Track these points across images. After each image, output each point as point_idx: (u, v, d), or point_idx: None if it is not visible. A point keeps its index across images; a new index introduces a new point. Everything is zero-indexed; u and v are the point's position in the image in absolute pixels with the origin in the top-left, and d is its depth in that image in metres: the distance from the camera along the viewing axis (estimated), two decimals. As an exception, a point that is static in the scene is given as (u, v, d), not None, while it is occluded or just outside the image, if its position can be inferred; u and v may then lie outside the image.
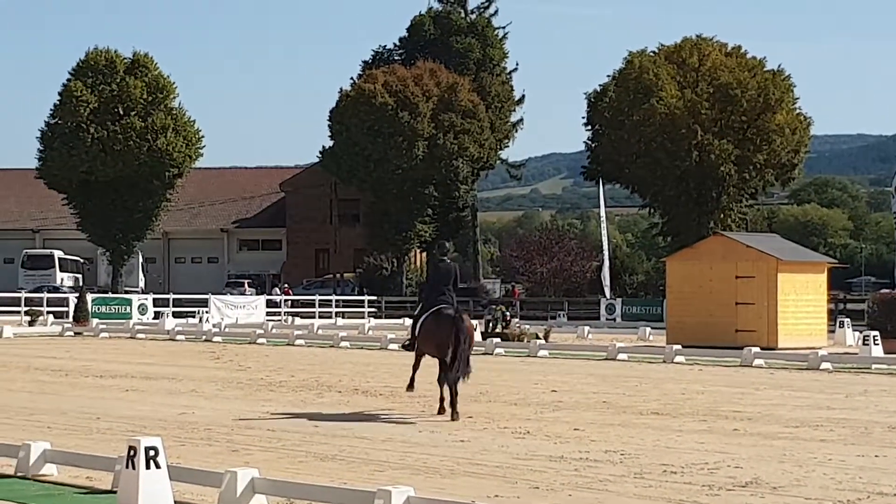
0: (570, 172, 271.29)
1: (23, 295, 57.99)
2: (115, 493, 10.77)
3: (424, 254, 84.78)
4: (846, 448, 14.63)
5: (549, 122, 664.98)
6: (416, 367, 19.26)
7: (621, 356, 31.29)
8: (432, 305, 18.56)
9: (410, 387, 19.37)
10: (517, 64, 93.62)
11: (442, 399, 18.16)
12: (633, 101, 67.90)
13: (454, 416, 17.61)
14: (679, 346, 31.81)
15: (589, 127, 75.33)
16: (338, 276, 77.35)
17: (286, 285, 77.03)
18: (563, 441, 15.16)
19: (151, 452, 10.17)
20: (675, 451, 14.27)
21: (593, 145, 74.32)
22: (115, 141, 70.46)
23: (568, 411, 18.68)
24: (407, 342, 19.77)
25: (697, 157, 66.73)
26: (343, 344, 37.10)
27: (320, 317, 61.12)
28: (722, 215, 68.52)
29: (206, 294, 60.94)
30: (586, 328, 45.18)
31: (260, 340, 38.85)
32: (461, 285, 19.30)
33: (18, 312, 53.51)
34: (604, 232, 69.61)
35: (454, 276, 18.77)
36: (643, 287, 76.29)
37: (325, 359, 31.41)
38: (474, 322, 39.55)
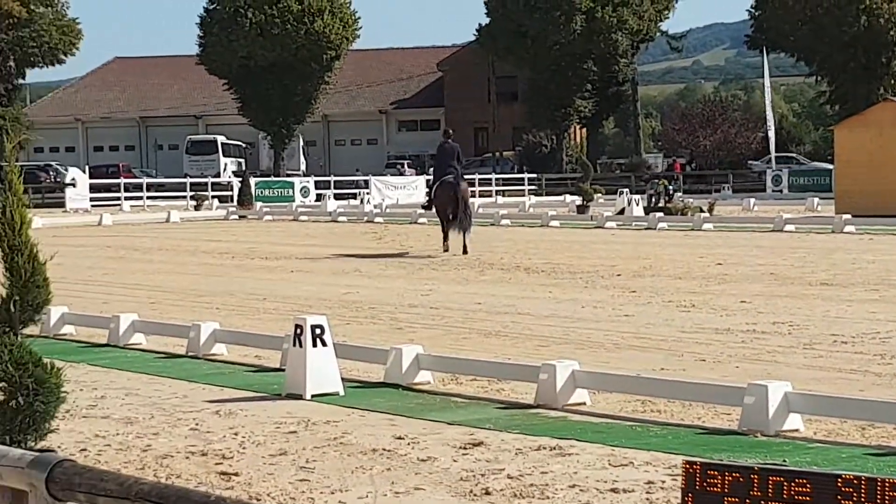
0: (733, 42, 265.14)
1: (188, 180, 59.09)
2: (283, 370, 10.92)
3: (584, 130, 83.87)
4: None
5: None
6: (444, 231, 25.47)
7: (788, 227, 30.67)
8: (440, 177, 25.40)
9: (446, 248, 25.20)
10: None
11: (446, 239, 25.25)
12: (798, -35, 65.63)
13: (465, 251, 24.52)
14: (848, 216, 31.05)
15: (751, -6, 73.22)
16: (497, 154, 77.06)
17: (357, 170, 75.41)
18: (729, 314, 14.91)
19: (318, 330, 10.25)
20: (845, 321, 13.93)
21: (757, 13, 72.24)
22: (272, 25, 70.79)
23: (734, 284, 18.37)
24: (425, 203, 28.27)
25: (866, 22, 64.47)
26: (504, 222, 37.06)
27: (480, 196, 61.11)
28: (892, 81, 66.28)
29: (367, 176, 61.40)
30: (752, 200, 44.38)
31: (421, 220, 39.02)
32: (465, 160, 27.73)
33: (185, 197, 54.70)
34: (768, 102, 67.98)
35: (456, 153, 25.58)
36: (811, 157, 74.59)
37: (487, 237, 31.39)
38: (637, 196, 39.82)
